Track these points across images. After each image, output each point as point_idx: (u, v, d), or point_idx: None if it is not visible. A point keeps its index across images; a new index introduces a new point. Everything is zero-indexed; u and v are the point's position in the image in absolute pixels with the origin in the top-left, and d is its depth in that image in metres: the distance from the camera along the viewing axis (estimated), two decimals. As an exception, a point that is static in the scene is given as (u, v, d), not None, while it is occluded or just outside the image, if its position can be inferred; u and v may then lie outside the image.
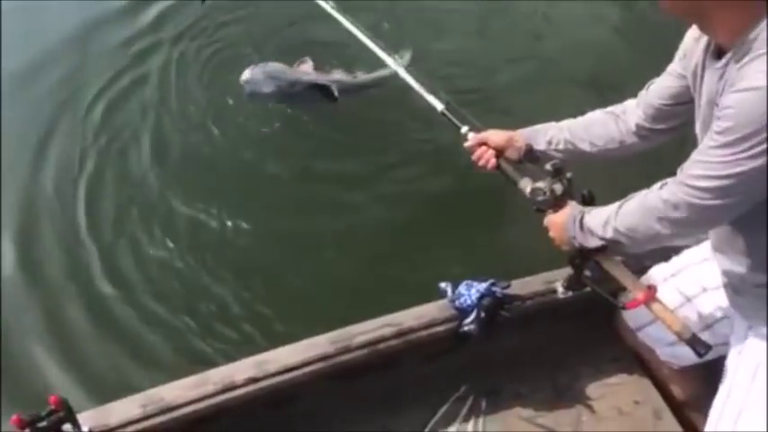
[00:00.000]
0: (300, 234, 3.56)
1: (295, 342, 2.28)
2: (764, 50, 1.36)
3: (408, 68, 2.55)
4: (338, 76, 4.23)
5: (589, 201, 1.96)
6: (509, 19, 4.93)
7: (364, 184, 3.80)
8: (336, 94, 4.08)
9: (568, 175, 2.01)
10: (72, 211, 3.70)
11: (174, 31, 4.81)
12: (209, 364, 2.37)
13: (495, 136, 2.21)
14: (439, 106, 2.38)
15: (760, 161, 1.38)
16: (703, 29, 1.56)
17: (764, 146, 1.36)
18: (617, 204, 1.77)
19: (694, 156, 1.53)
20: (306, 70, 4.20)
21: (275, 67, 4.14)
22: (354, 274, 3.35)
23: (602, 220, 1.78)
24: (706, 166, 1.47)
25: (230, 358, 2.34)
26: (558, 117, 2.20)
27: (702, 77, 1.63)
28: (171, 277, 3.38)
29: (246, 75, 4.01)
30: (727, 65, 1.47)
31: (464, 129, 2.29)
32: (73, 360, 3.07)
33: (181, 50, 4.66)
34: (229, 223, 3.60)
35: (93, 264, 3.45)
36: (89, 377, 2.98)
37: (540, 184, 2.01)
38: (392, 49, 2.59)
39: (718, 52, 1.54)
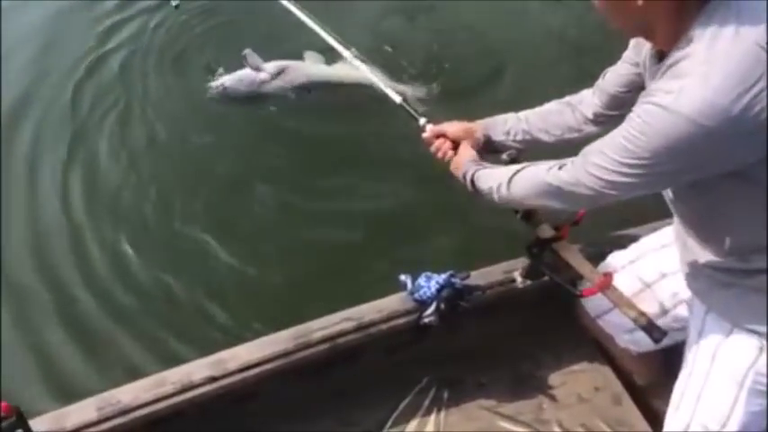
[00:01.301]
0: (258, 230, 3.53)
1: (254, 339, 2.26)
2: (681, 67, 1.38)
3: (364, 60, 2.52)
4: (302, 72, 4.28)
5: None
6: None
7: (323, 178, 3.78)
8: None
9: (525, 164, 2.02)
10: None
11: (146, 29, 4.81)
12: (165, 364, 2.32)
13: (453, 127, 2.21)
14: (397, 98, 2.37)
15: (657, 174, 1.44)
16: (648, 39, 1.57)
17: (662, 168, 1.42)
18: (510, 171, 1.86)
19: (600, 145, 1.56)
20: (264, 75, 4.22)
21: (239, 76, 4.21)
22: (315, 268, 3.32)
23: (495, 183, 1.89)
24: (612, 161, 1.50)
25: (187, 358, 2.29)
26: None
27: (646, 72, 1.65)
28: (128, 273, 3.34)
29: (214, 86, 4.18)
30: (659, 69, 1.48)
31: (422, 120, 2.29)
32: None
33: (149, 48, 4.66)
34: (186, 221, 3.57)
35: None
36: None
37: None
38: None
39: (659, 54, 1.55)
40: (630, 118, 1.45)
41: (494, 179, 1.90)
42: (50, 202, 3.69)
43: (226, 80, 4.22)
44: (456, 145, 2.19)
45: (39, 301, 3.23)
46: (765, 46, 1.32)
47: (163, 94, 4.33)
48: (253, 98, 4.22)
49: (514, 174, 1.83)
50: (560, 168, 1.67)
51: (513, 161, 2.04)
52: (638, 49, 1.73)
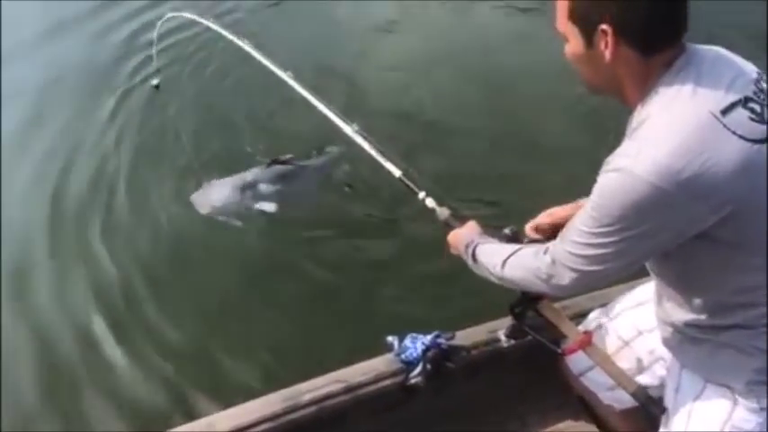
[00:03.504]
0: (246, 294, 3.58)
1: (243, 402, 2.27)
2: (639, 131, 1.46)
3: (364, 135, 2.53)
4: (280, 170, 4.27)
5: None
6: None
7: (309, 245, 3.84)
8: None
9: (525, 240, 2.07)
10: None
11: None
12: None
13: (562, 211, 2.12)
14: (396, 172, 2.38)
15: (624, 240, 1.48)
16: (618, 98, 1.64)
17: (627, 233, 1.46)
18: (506, 253, 1.85)
19: (573, 221, 1.61)
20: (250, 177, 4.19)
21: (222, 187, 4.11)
22: (302, 331, 3.35)
23: (492, 262, 1.89)
24: (581, 233, 1.55)
25: (173, 424, 2.30)
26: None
27: None
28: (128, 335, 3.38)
29: (198, 201, 4.03)
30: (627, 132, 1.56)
31: (422, 194, 2.30)
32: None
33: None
34: (182, 285, 3.64)
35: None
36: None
37: None
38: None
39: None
40: (595, 187, 1.51)
41: (492, 257, 1.90)
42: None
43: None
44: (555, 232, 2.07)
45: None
46: (719, 115, 1.41)
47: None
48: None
49: (509, 256, 1.84)
50: (545, 252, 1.70)
51: (514, 236, 2.07)
52: None
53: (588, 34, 1.52)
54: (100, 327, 3.40)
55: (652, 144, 1.41)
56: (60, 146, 4.54)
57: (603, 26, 1.47)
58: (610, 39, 1.48)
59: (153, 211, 4.08)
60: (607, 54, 1.50)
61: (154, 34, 3.53)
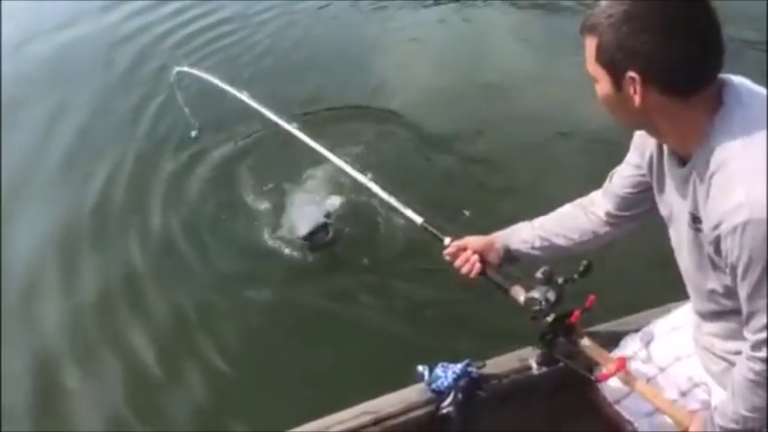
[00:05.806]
0: (272, 326, 3.61)
1: (272, 436, 2.26)
2: (725, 177, 1.43)
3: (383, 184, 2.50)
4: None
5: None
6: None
7: (338, 276, 3.91)
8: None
9: (559, 280, 2.05)
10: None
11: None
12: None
13: (475, 241, 2.22)
14: (418, 219, 2.36)
15: None
16: (654, 136, 1.64)
17: None
18: (729, 390, 1.69)
19: (749, 308, 1.51)
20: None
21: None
22: (332, 362, 3.35)
23: (730, 415, 1.68)
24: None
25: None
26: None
27: (661, 175, 1.71)
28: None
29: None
30: (690, 175, 1.54)
31: (447, 240, 2.28)
32: None
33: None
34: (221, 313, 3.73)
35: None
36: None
37: (535, 294, 2.05)
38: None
39: (677, 156, 1.61)
40: (730, 265, 1.47)
41: (726, 406, 1.70)
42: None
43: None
44: (482, 258, 2.18)
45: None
46: None
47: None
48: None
49: (732, 388, 1.67)
50: (752, 346, 1.55)
51: (547, 277, 2.05)
52: (641, 151, 1.79)
53: (616, 79, 1.51)
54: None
55: (755, 183, 1.38)
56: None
57: (631, 74, 1.47)
58: (638, 86, 1.47)
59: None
60: (636, 99, 1.49)
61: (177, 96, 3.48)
